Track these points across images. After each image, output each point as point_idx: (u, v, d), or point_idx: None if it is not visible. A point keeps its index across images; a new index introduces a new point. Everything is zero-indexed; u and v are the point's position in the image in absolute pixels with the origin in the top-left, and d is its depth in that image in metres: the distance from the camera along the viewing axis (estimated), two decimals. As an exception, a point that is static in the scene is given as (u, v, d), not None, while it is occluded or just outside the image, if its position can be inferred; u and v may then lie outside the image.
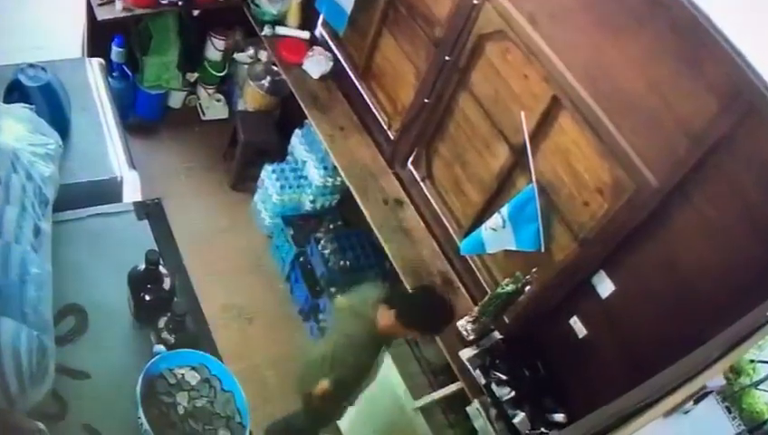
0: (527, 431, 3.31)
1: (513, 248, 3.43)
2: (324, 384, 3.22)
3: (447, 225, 4.14)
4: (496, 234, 3.43)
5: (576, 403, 3.36)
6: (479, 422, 3.40)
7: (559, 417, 3.34)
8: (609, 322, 3.17)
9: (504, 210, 3.38)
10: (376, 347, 3.27)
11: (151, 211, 2.91)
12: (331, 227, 5.01)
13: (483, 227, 3.52)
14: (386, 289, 3.52)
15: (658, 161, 2.81)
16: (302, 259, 4.93)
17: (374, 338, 3.20)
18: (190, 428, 2.26)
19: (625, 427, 1.59)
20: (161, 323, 2.44)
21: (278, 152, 5.28)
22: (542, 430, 3.31)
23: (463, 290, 3.98)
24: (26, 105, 2.67)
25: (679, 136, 2.71)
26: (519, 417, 3.33)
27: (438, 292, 3.39)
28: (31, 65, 2.83)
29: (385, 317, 3.14)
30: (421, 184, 4.30)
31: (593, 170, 3.11)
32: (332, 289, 4.63)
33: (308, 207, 5.15)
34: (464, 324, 3.68)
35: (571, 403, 3.38)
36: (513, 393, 3.40)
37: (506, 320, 3.69)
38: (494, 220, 3.42)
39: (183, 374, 2.36)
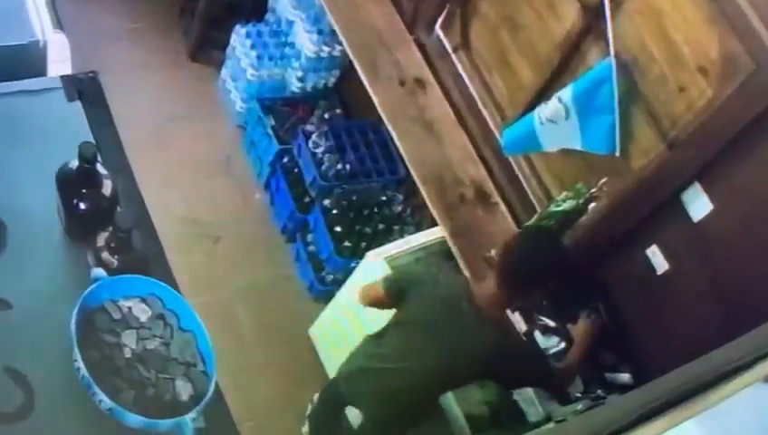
0: (578, 394, 3.41)
1: (578, 148, 3.44)
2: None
3: (486, 115, 4.15)
4: (557, 127, 3.43)
5: (646, 360, 3.44)
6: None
7: (623, 377, 3.44)
8: (699, 254, 3.19)
9: (568, 95, 3.34)
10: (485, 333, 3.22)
11: (85, 89, 2.93)
12: (327, 116, 5.05)
13: (535, 115, 3.50)
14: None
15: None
16: (286, 160, 4.98)
17: (479, 321, 3.17)
18: (139, 375, 2.34)
19: (710, 393, 1.63)
20: (101, 239, 2.50)
21: (254, 7, 5.27)
22: (599, 392, 3.40)
23: (502, 206, 4.04)
24: None
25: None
26: (569, 375, 3.44)
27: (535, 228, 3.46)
28: None
29: (484, 287, 3.16)
30: (453, 56, 4.29)
31: (696, 42, 3.04)
32: (326, 202, 4.71)
33: (295, 87, 5.17)
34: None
35: (640, 360, 3.47)
36: (562, 345, 3.49)
37: (560, 248, 3.74)
38: (553, 109, 3.40)
39: (130, 308, 2.44)
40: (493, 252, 3.75)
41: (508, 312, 3.53)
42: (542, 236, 3.33)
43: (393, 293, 3.37)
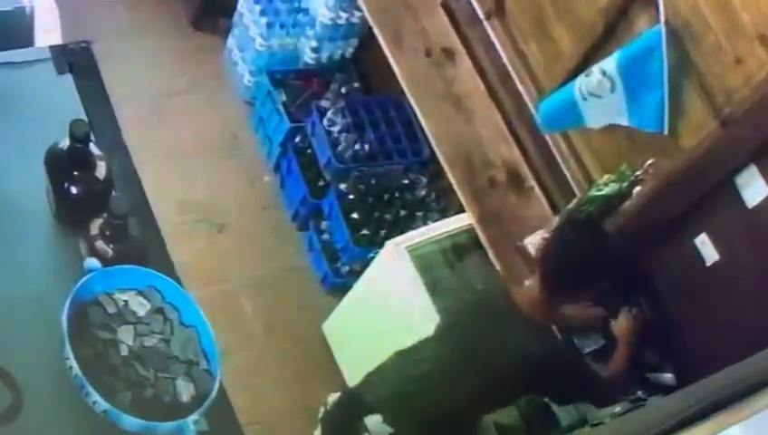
0: (617, 395, 3.44)
1: (624, 123, 3.45)
2: None
3: (521, 89, 4.15)
4: (601, 102, 3.43)
5: (691, 360, 3.46)
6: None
7: (666, 377, 3.47)
8: (754, 243, 3.20)
9: (612, 66, 3.34)
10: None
11: (77, 61, 2.96)
12: (344, 90, 5.07)
13: (576, 88, 3.50)
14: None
15: None
16: (298, 139, 5.01)
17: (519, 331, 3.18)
18: (136, 374, 2.38)
19: (760, 395, 1.64)
20: (94, 227, 2.52)
21: (264, -30, 5.29)
22: (639, 394, 3.43)
23: (537, 190, 4.07)
24: None
25: None
26: (607, 376, 3.45)
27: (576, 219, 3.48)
28: None
29: (525, 291, 3.18)
30: (485, 23, 4.29)
31: (758, 6, 3.02)
32: (342, 186, 4.74)
33: (309, 58, 5.19)
34: (535, 242, 3.74)
35: (684, 359, 3.49)
36: (600, 343, 3.53)
37: (601, 237, 3.75)
38: (596, 81, 3.40)
39: (127, 301, 2.48)
40: (526, 241, 3.78)
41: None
42: (584, 227, 3.34)
43: None
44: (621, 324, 3.46)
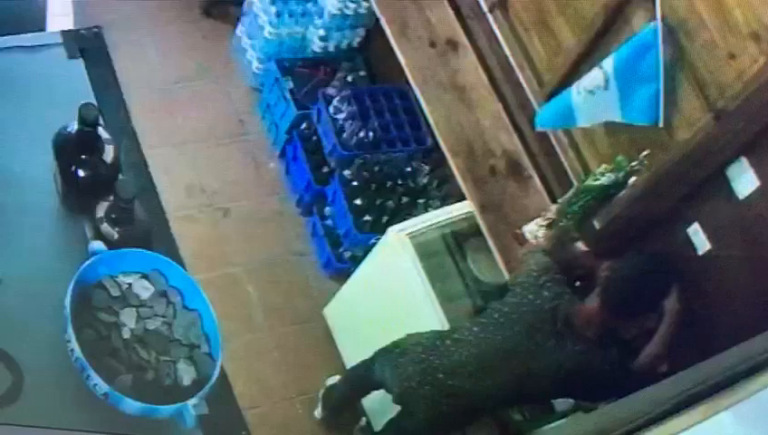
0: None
1: (617, 120, 3.45)
2: None
3: (523, 81, 4.13)
4: (594, 98, 3.44)
5: (683, 345, 3.42)
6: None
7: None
8: (744, 233, 3.19)
9: (609, 63, 3.36)
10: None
11: (88, 46, 2.94)
12: (350, 79, 5.05)
13: (574, 87, 3.52)
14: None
15: None
16: (303, 126, 4.99)
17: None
18: (138, 357, 2.36)
19: (750, 381, 1.64)
20: (100, 210, 2.50)
21: (274, -40, 5.25)
22: (633, 378, 3.42)
23: (536, 180, 4.05)
24: None
25: None
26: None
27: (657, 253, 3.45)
28: None
29: (585, 307, 3.22)
30: (489, 16, 4.27)
31: (750, 4, 3.04)
32: (346, 173, 4.71)
33: (317, 46, 5.16)
34: (533, 230, 3.75)
35: (677, 346, 3.44)
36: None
37: (596, 225, 3.73)
38: (593, 77, 3.42)
39: (130, 284, 2.46)
40: (524, 228, 3.77)
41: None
42: (653, 263, 3.33)
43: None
44: (672, 305, 3.39)
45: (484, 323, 3.46)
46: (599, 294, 3.20)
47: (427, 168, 4.85)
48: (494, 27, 4.24)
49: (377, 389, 3.79)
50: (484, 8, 4.27)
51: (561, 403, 3.61)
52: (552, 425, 3.57)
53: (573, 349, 3.23)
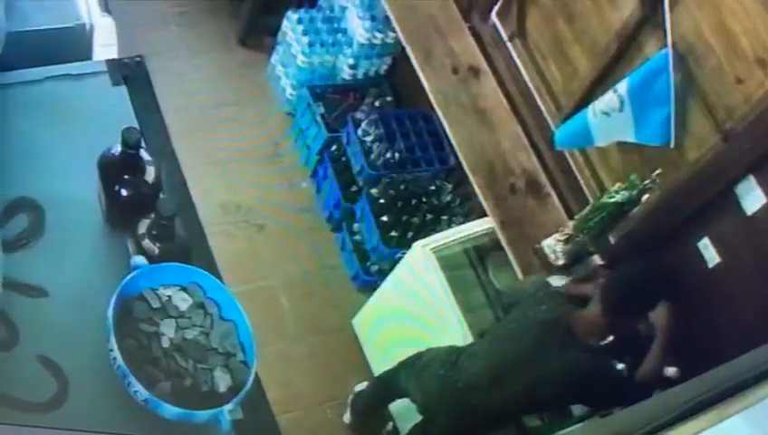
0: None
1: (631, 140, 3.45)
2: None
3: (541, 105, 4.15)
4: (609, 120, 3.44)
5: (694, 354, 3.38)
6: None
7: (670, 371, 3.40)
8: (752, 247, 3.19)
9: (624, 87, 3.37)
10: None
11: (131, 74, 2.95)
12: (377, 104, 5.06)
13: (590, 108, 3.53)
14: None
15: None
16: (334, 148, 4.99)
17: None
18: (177, 365, 2.35)
19: (760, 387, 1.62)
20: (142, 227, 2.49)
21: (307, -7, 5.28)
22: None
23: (554, 197, 4.04)
24: None
25: None
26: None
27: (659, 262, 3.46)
28: None
29: (586, 314, 3.22)
30: (508, 45, 4.29)
31: (755, 32, 3.07)
32: (373, 191, 4.71)
33: (346, 74, 5.18)
34: (551, 244, 3.74)
35: (688, 354, 3.42)
36: (610, 338, 3.46)
37: (611, 240, 3.73)
38: (608, 100, 3.42)
39: (170, 296, 2.45)
40: (543, 243, 3.76)
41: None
42: (648, 264, 3.36)
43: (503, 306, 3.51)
44: (660, 315, 3.39)
45: (495, 338, 3.48)
46: (598, 300, 3.18)
47: (450, 186, 4.85)
48: (514, 55, 4.27)
49: (402, 397, 3.79)
50: (504, 37, 4.30)
51: (578, 408, 3.57)
52: (567, 430, 3.54)
53: (578, 356, 3.20)
